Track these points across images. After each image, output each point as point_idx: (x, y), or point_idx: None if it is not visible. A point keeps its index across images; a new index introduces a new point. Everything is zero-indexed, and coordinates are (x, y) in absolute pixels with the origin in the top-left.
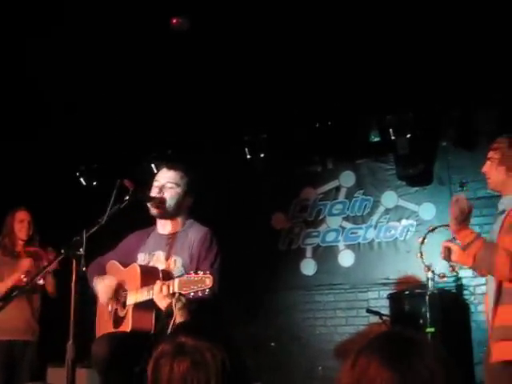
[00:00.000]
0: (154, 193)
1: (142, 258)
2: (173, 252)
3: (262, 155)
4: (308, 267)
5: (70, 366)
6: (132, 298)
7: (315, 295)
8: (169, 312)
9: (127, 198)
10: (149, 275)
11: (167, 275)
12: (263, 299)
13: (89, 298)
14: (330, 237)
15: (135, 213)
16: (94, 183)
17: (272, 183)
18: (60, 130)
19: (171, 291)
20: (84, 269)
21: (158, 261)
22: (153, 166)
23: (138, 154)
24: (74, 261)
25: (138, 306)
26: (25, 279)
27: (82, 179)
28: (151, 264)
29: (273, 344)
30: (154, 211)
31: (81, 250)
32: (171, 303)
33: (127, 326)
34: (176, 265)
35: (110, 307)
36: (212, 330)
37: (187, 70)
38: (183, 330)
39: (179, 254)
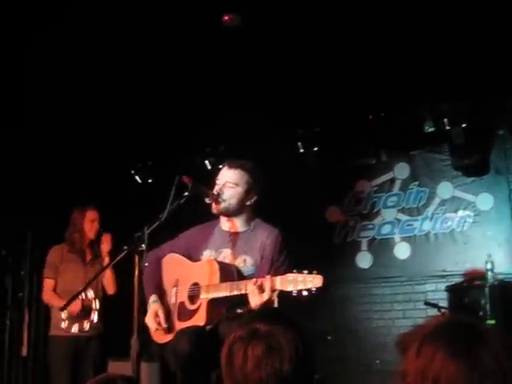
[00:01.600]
0: (214, 192)
1: (208, 255)
2: (240, 251)
3: (316, 149)
4: (364, 260)
5: (136, 359)
6: (206, 293)
7: (372, 288)
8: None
9: (186, 193)
10: (227, 272)
11: (240, 273)
12: (319, 293)
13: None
14: (386, 229)
15: (192, 209)
16: (150, 180)
17: (326, 177)
18: (114, 127)
19: (271, 288)
20: (146, 264)
21: (226, 259)
22: (207, 162)
23: (192, 150)
24: (137, 256)
25: (213, 301)
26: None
27: (137, 177)
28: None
29: (330, 337)
30: (214, 209)
31: (143, 245)
32: (268, 300)
33: (201, 320)
34: (246, 264)
35: (173, 299)
36: (284, 316)
37: (239, 64)
38: (256, 316)
39: (249, 253)
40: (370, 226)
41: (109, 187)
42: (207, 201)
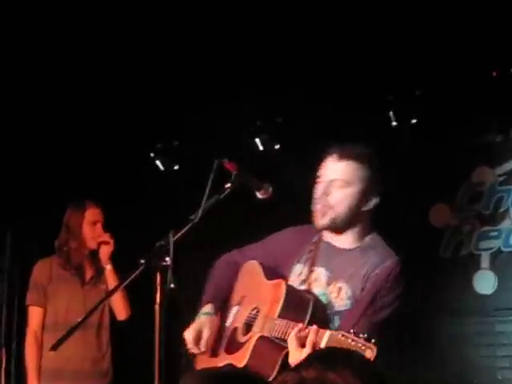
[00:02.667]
0: (316, 195)
1: (297, 272)
2: (338, 275)
3: (414, 121)
4: (485, 283)
5: None
6: (260, 326)
7: (496, 323)
8: None
9: (229, 185)
10: (294, 303)
11: (320, 310)
12: (418, 329)
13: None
14: None
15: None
16: (176, 167)
17: (429, 161)
18: (124, 93)
19: (314, 345)
20: (172, 285)
21: (318, 283)
22: (257, 141)
23: (236, 125)
24: (158, 274)
25: (266, 339)
26: None
27: (158, 162)
28: (307, 283)
29: None
30: (317, 222)
31: (167, 259)
32: None
33: (241, 359)
34: (340, 295)
35: (229, 321)
36: (337, 358)
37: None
38: (310, 358)
39: (348, 280)
40: (494, 234)
41: (118, 177)
42: (259, 196)
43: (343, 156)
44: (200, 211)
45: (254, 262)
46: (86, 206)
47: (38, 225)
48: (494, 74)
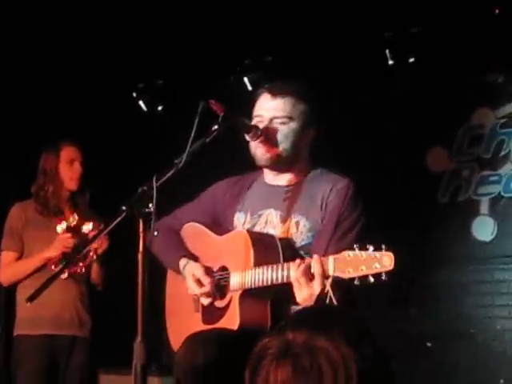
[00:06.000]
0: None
1: (241, 221)
2: (291, 211)
3: (412, 60)
4: (484, 229)
5: (140, 372)
6: (238, 283)
7: (495, 271)
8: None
9: (216, 127)
10: (264, 248)
11: (288, 246)
12: (416, 277)
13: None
14: None
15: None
16: (160, 107)
17: (426, 101)
18: (110, 34)
19: (322, 274)
20: (156, 233)
21: (270, 224)
22: (246, 80)
23: (223, 63)
24: (141, 222)
25: (248, 294)
26: (54, 267)
27: (141, 102)
28: (257, 229)
29: (430, 344)
30: (262, 160)
31: (150, 205)
32: (321, 292)
33: (233, 322)
34: (299, 229)
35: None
36: (343, 317)
37: None
38: (296, 319)
39: (304, 213)
40: (494, 178)
41: (98, 118)
42: (248, 138)
43: (280, 92)
44: (185, 155)
45: (193, 223)
46: (61, 146)
47: (15, 172)
48: (497, 11)
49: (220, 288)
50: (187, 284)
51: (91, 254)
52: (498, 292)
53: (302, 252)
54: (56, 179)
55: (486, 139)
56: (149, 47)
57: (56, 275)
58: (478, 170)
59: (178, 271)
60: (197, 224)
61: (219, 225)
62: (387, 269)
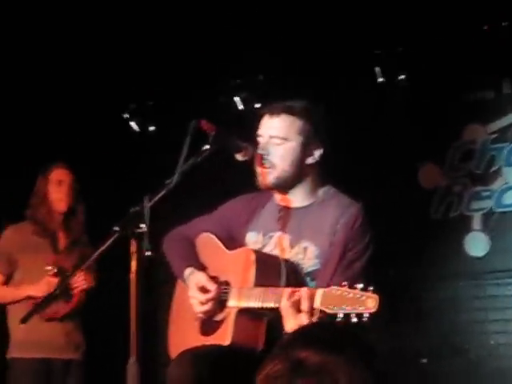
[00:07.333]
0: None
1: (252, 240)
2: (299, 235)
3: (402, 77)
4: (476, 245)
5: None
6: (236, 299)
7: (487, 287)
8: None
9: (207, 147)
10: (267, 268)
11: (294, 271)
12: (409, 293)
13: (157, 297)
14: (510, 198)
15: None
16: (151, 128)
17: (418, 118)
18: (97, 50)
19: (309, 307)
20: (148, 253)
21: (278, 247)
22: (237, 99)
23: (214, 83)
24: (134, 242)
25: (246, 311)
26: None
27: (133, 123)
28: (267, 250)
29: (424, 361)
30: (261, 182)
31: (142, 226)
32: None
33: (224, 337)
34: (307, 255)
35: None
36: (349, 337)
37: None
38: (299, 339)
39: (312, 238)
40: (486, 194)
41: (90, 140)
42: (239, 158)
43: (276, 111)
44: (176, 175)
45: (209, 234)
46: (52, 168)
47: (6, 191)
48: (486, 27)
49: (220, 302)
50: (189, 293)
51: (75, 292)
52: (491, 307)
53: (308, 278)
54: (46, 201)
55: (477, 155)
56: (139, 68)
57: (50, 298)
58: (469, 186)
59: (183, 280)
60: (212, 236)
61: (234, 240)
62: (370, 311)
